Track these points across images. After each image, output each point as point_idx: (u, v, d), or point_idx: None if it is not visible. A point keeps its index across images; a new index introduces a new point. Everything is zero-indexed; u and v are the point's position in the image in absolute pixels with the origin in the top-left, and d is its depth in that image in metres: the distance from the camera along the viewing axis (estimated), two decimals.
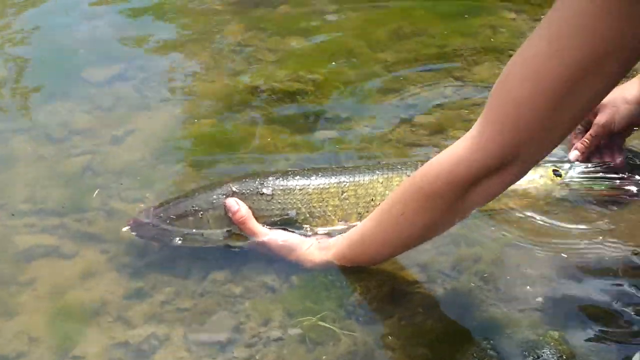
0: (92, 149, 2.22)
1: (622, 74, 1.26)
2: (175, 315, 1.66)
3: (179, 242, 1.78)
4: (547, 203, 1.91)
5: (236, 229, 1.79)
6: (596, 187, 1.94)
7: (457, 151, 1.43)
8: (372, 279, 1.69)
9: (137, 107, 2.45)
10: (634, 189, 1.92)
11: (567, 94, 1.25)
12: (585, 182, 1.95)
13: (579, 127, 2.01)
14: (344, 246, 1.70)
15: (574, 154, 2.00)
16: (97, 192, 2.02)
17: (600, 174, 1.96)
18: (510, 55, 1.32)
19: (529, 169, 1.45)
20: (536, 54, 1.26)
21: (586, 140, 1.98)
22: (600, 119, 1.94)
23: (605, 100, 1.84)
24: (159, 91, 2.53)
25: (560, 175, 1.95)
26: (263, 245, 1.77)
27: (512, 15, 2.88)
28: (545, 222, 1.86)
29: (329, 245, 1.73)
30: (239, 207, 1.78)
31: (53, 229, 1.91)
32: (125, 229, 1.81)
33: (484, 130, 1.37)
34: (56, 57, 2.80)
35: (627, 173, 1.96)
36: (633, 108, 1.93)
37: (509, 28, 2.77)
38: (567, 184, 1.95)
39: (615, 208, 1.89)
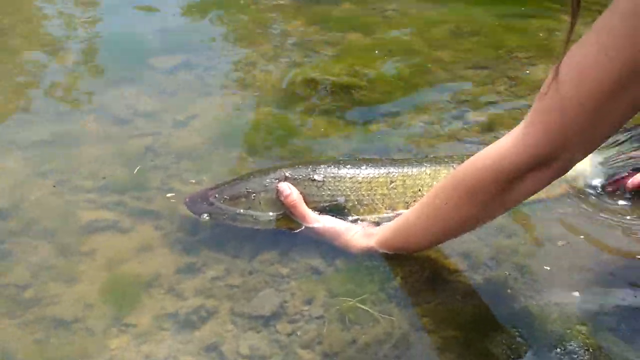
0: (155, 131, 2.31)
1: None
2: (224, 291, 1.72)
3: (231, 221, 1.85)
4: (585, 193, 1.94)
5: (287, 213, 1.86)
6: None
7: (503, 147, 1.47)
8: (412, 265, 1.74)
9: (199, 94, 2.54)
10: None
11: (612, 96, 1.28)
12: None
13: None
14: (387, 234, 1.75)
15: None
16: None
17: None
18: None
19: (571, 167, 1.48)
20: (585, 56, 1.30)
21: None
22: None
23: None
24: (221, 80, 2.62)
25: None
26: (311, 229, 1.83)
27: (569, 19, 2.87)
28: (587, 215, 1.89)
29: (373, 232, 1.79)
30: (290, 192, 1.84)
31: (113, 205, 2.00)
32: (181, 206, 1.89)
33: (530, 127, 1.41)
34: (125, 44, 2.92)
35: None
36: None
37: (565, 32, 2.76)
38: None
39: None
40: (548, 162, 1.42)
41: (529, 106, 2.10)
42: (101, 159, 2.18)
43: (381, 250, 1.76)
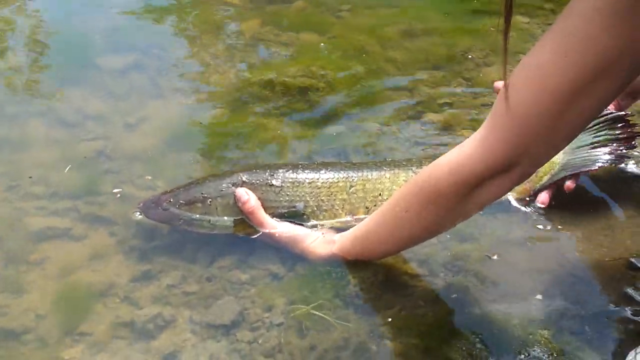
0: (105, 134, 2.25)
1: (627, 81, 1.28)
2: (182, 299, 1.69)
3: (187, 227, 1.81)
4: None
5: (244, 218, 1.82)
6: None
7: (463, 153, 1.45)
8: (371, 270, 1.72)
9: (150, 95, 2.49)
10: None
11: (571, 101, 1.27)
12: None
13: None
14: (348, 241, 1.73)
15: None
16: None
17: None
18: (519, 60, 1.34)
19: (533, 172, 1.48)
20: (542, 61, 1.29)
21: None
22: None
23: None
24: (173, 81, 2.57)
25: None
26: (270, 236, 1.80)
27: (525, 19, 2.90)
28: (545, 219, 1.89)
29: (334, 239, 1.76)
30: (248, 197, 1.80)
31: (64, 211, 1.94)
32: (134, 212, 1.85)
33: (490, 133, 1.40)
34: (72, 44, 2.84)
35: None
36: None
37: (520, 32, 2.79)
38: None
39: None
40: (509, 168, 1.41)
41: (484, 105, 2.12)
42: (50, 163, 2.11)
43: (342, 258, 1.73)
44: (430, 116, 2.34)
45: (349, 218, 1.85)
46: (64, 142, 2.22)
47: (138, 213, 1.84)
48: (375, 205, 1.84)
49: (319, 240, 1.77)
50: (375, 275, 1.72)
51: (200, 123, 2.32)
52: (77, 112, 2.37)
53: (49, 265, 1.77)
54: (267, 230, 1.80)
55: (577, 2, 1.23)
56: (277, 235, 1.79)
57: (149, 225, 1.84)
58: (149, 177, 2.05)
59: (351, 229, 1.75)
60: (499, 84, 1.95)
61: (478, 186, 1.45)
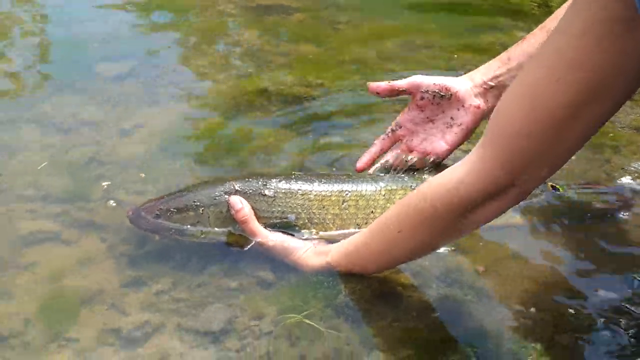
0: (100, 140, 2.24)
1: (620, 102, 1.27)
2: (171, 305, 1.67)
3: (178, 235, 1.79)
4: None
5: (236, 228, 1.80)
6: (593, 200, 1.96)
7: (457, 174, 1.43)
8: (361, 281, 1.70)
9: (146, 103, 2.49)
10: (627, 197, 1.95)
11: (563, 124, 1.25)
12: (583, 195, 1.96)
13: None
14: (340, 254, 1.71)
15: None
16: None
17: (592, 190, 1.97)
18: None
19: (528, 195, 1.44)
20: (534, 84, 1.27)
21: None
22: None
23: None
24: (169, 89, 2.57)
25: (558, 190, 1.95)
26: (262, 246, 1.78)
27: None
28: (538, 232, 1.88)
29: (325, 250, 1.74)
30: (242, 206, 1.78)
31: (55, 216, 1.92)
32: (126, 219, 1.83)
33: (484, 155, 1.38)
34: (70, 50, 2.84)
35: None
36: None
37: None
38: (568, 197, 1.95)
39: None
40: (505, 189, 1.39)
41: (483, 119, 2.10)
42: (43, 168, 2.10)
43: (333, 270, 1.72)
44: None
45: (340, 233, 1.83)
46: (58, 147, 2.21)
47: (128, 219, 1.82)
48: (366, 223, 1.81)
49: (310, 251, 1.75)
50: (368, 285, 1.70)
51: (195, 130, 2.31)
52: (73, 118, 2.36)
53: (39, 270, 1.76)
54: (259, 240, 1.78)
55: (567, 19, 1.22)
56: (269, 245, 1.77)
57: (140, 232, 1.82)
58: (143, 175, 2.04)
59: (344, 242, 1.73)
60: (374, 84, 1.93)
61: (472, 208, 1.43)
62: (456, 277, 1.73)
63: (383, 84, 1.90)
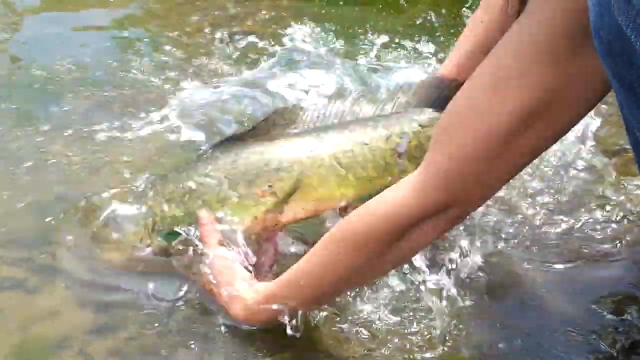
0: (68, 178, 2.19)
1: (577, 119, 1.26)
2: (138, 351, 1.64)
3: None
4: None
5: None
6: None
7: (398, 196, 1.41)
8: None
9: (118, 138, 2.39)
10: None
11: (506, 142, 1.24)
12: None
13: None
14: (277, 287, 1.57)
15: None
16: None
17: None
18: None
19: (470, 213, 1.46)
20: (474, 95, 1.26)
21: None
22: None
23: None
24: (143, 123, 2.48)
25: None
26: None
27: None
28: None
29: (260, 288, 1.61)
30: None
31: (20, 261, 1.88)
32: None
33: (426, 174, 1.36)
34: (39, 80, 2.76)
35: None
36: None
37: None
38: None
39: None
40: (444, 209, 1.37)
41: None
42: (8, 209, 2.04)
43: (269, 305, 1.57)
44: None
45: None
46: (24, 187, 2.14)
47: None
48: None
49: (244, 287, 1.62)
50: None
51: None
52: (40, 154, 2.30)
53: (2, 319, 1.72)
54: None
55: (512, 31, 1.20)
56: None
57: (107, 277, 1.80)
58: None
59: (282, 275, 1.59)
60: None
61: (412, 228, 1.40)
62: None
63: None
